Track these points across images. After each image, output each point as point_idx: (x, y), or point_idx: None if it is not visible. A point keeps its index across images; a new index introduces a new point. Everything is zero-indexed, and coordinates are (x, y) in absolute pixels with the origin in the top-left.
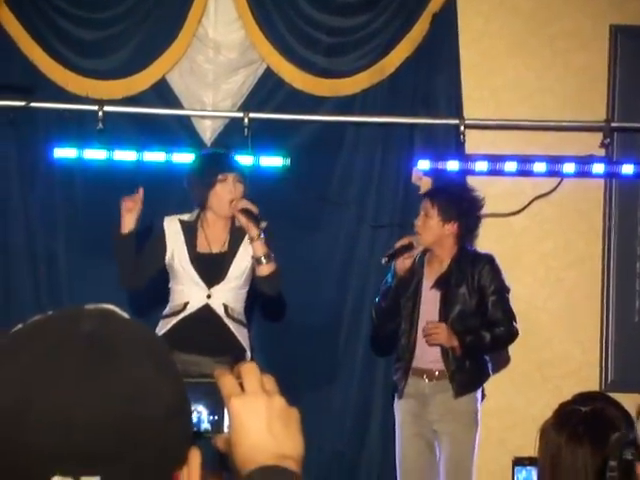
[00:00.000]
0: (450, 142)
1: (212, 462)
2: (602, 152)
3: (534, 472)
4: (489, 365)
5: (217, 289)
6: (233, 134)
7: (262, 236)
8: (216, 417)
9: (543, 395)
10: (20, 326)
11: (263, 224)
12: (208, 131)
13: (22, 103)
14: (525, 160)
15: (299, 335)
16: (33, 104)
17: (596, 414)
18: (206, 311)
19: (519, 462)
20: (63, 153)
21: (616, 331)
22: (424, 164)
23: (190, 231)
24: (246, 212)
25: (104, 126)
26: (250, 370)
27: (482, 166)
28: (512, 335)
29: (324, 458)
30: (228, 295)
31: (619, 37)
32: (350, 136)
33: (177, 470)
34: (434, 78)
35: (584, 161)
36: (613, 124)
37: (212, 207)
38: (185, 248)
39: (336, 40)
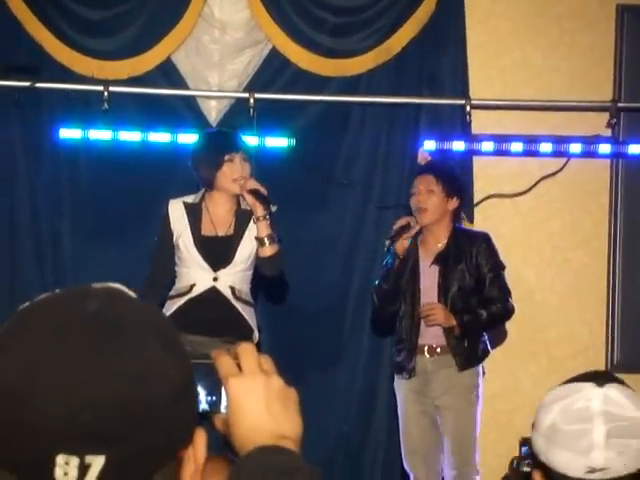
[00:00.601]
0: (456, 122)
1: (216, 443)
2: (609, 132)
3: None
4: (487, 342)
5: (223, 272)
6: (238, 114)
7: (267, 217)
8: (214, 398)
9: (549, 376)
10: (27, 304)
11: (273, 208)
12: (213, 111)
13: (27, 84)
14: (531, 140)
15: (305, 316)
16: (38, 85)
17: None
18: (213, 293)
19: (526, 442)
20: (68, 134)
21: (622, 311)
22: (430, 144)
23: (194, 213)
24: (255, 193)
25: (109, 106)
26: (247, 350)
27: (488, 146)
28: (508, 312)
29: (330, 439)
30: (235, 278)
31: (626, 17)
32: (356, 116)
33: (183, 450)
34: (440, 58)
35: (591, 141)
36: (620, 104)
37: (220, 187)
38: (189, 231)
39: (342, 20)
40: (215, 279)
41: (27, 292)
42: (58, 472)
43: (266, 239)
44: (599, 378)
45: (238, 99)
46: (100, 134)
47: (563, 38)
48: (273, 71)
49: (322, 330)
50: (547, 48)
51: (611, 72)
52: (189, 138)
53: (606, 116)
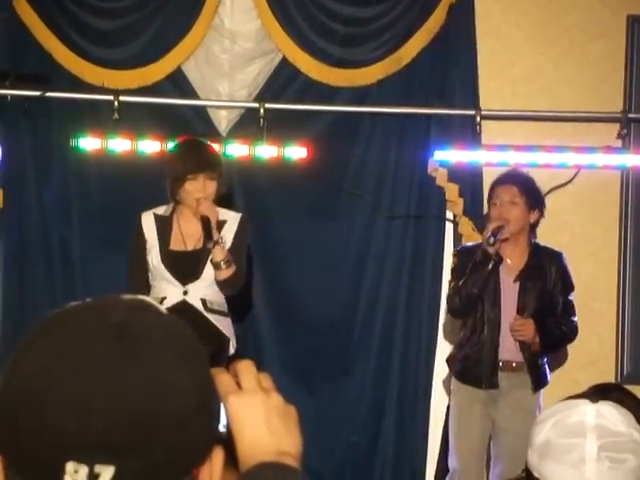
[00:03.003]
0: (466, 133)
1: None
2: (619, 143)
3: None
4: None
5: (193, 286)
6: (249, 124)
7: (221, 242)
8: None
9: (559, 387)
10: (56, 310)
11: (215, 237)
12: (224, 121)
13: (37, 93)
14: (542, 151)
15: (313, 326)
16: (48, 94)
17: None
18: (183, 306)
19: None
20: (78, 143)
21: (633, 323)
22: (440, 155)
23: (164, 227)
24: (203, 220)
25: (119, 116)
26: (246, 368)
27: (499, 157)
28: (575, 332)
29: (338, 449)
30: (206, 290)
31: (636, 28)
32: (366, 127)
33: (197, 468)
34: (451, 68)
35: (601, 152)
36: (630, 115)
37: (183, 203)
38: (158, 246)
39: (352, 30)
40: (185, 292)
41: (36, 300)
42: None
43: (222, 263)
44: (604, 392)
45: (248, 109)
46: (109, 144)
47: (574, 49)
48: (283, 81)
49: (331, 340)
50: (558, 58)
51: (622, 83)
52: None
53: (616, 127)
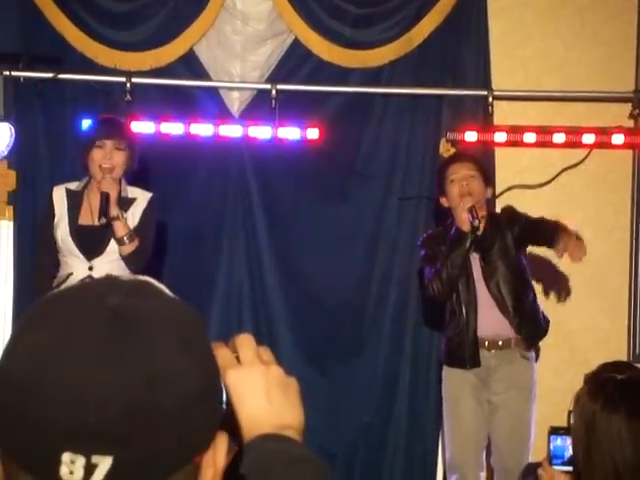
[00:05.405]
0: (478, 113)
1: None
2: (631, 123)
3: (568, 440)
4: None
5: (98, 261)
6: (260, 105)
7: (122, 217)
8: None
9: (571, 366)
10: (54, 292)
11: (114, 213)
12: (236, 102)
13: (50, 75)
14: (553, 131)
15: (326, 307)
16: (61, 76)
17: (633, 382)
18: None
19: (555, 431)
20: (83, 125)
21: None
22: (452, 135)
23: (74, 201)
24: (102, 196)
25: (132, 98)
26: (245, 341)
27: (510, 137)
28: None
29: (351, 430)
30: (111, 266)
31: None
32: (378, 107)
33: (199, 455)
34: (462, 49)
35: (613, 132)
36: None
37: (91, 173)
38: (67, 219)
39: (364, 11)
40: (90, 268)
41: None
42: (64, 470)
43: (125, 238)
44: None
45: (260, 90)
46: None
47: (585, 29)
48: (295, 62)
49: (343, 321)
50: (569, 38)
51: (633, 63)
52: (206, 129)
53: (628, 107)
